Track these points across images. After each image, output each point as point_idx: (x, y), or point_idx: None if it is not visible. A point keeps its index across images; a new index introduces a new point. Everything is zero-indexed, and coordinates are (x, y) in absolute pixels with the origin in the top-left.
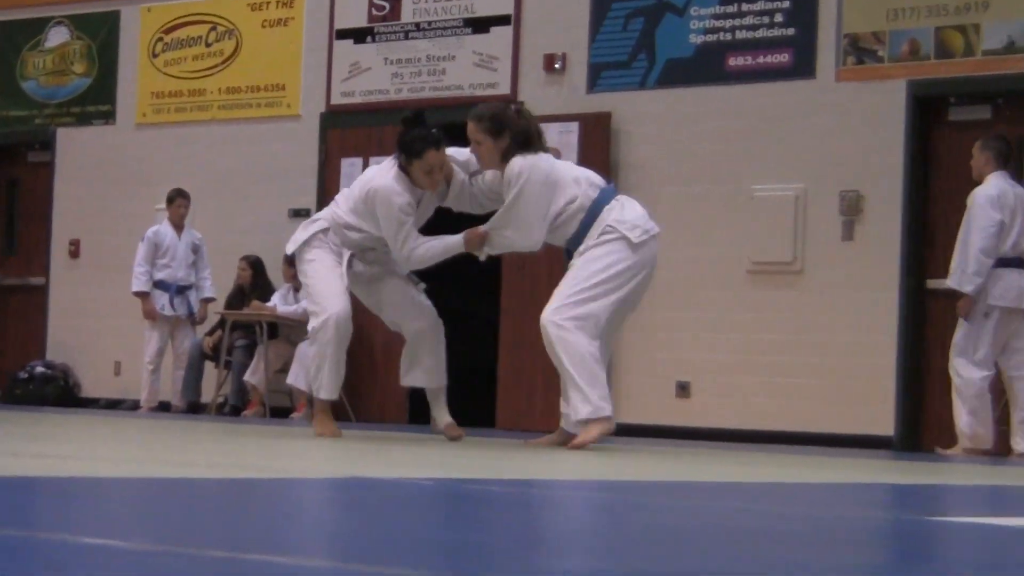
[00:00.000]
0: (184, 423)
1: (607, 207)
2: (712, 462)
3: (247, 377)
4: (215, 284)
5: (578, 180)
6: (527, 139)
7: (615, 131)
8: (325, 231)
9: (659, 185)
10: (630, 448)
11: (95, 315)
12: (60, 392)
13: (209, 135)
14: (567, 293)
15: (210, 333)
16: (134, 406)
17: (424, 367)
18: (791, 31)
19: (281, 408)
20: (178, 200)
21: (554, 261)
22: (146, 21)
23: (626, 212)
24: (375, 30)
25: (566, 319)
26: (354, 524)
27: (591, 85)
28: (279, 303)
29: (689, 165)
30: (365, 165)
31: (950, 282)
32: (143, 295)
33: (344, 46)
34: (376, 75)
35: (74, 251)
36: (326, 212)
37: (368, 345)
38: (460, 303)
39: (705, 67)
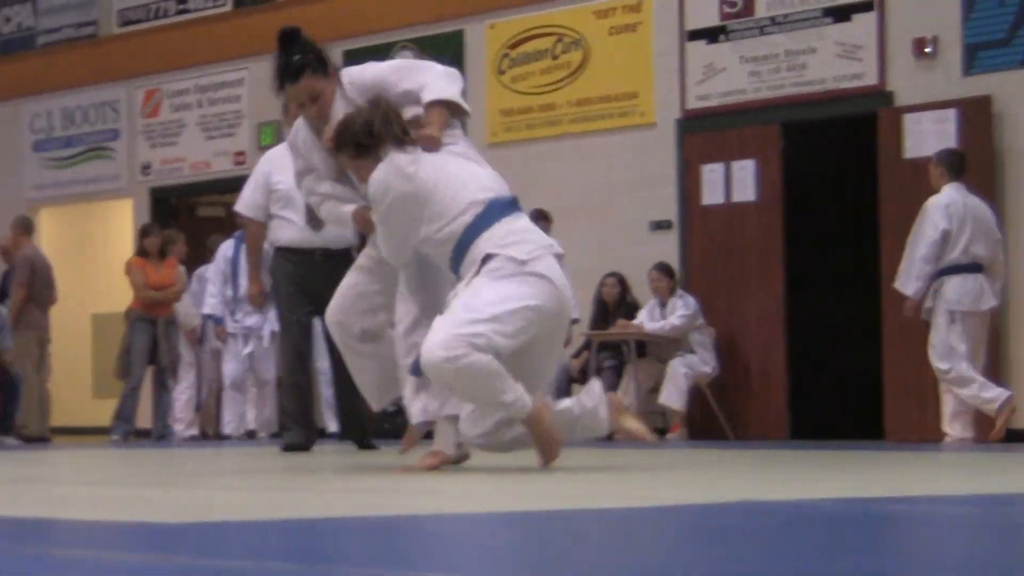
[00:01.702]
0: None
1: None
2: None
3: None
4: (577, 304)
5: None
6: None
7: (997, 115)
8: None
9: None
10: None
11: None
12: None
13: (561, 150)
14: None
15: (576, 355)
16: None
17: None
18: None
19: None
20: (539, 223)
21: None
22: (491, 38)
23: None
24: (728, 28)
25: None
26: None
27: (967, 68)
28: (646, 320)
29: None
30: (727, 171)
31: (896, 285)
32: None
33: (697, 47)
34: (732, 75)
35: None
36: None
37: (743, 360)
38: (836, 309)
39: None
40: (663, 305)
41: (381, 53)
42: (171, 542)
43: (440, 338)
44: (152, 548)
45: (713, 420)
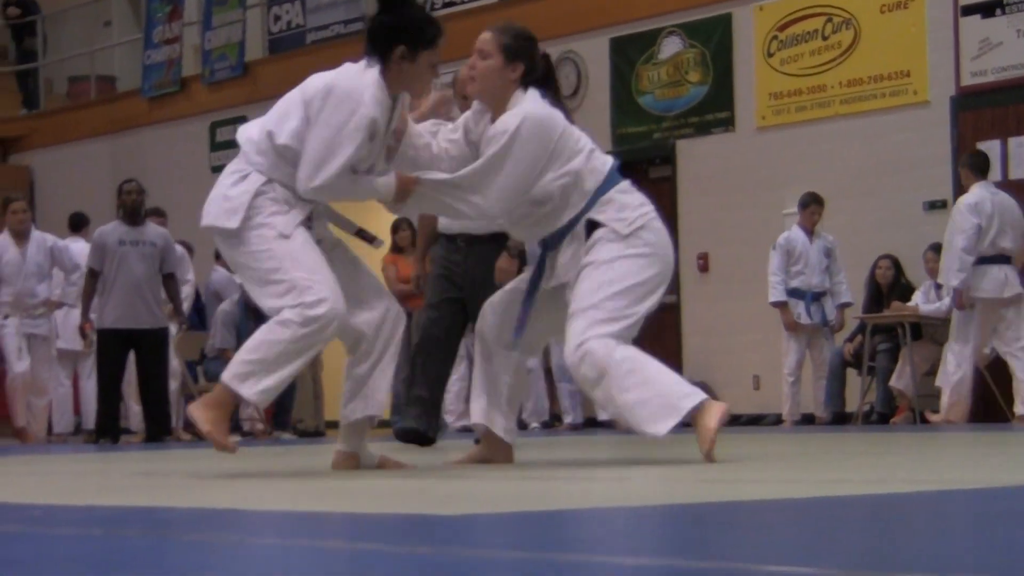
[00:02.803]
0: (830, 435)
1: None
2: None
3: (893, 382)
4: (850, 287)
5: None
6: (546, 79)
7: None
8: (267, 183)
9: None
10: None
11: (729, 330)
12: None
13: (832, 132)
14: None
15: (850, 339)
16: (776, 421)
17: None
18: None
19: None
20: (812, 207)
21: None
22: (759, 20)
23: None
24: (1004, 1)
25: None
26: None
27: None
28: (921, 302)
29: None
30: (1004, 148)
31: (940, 279)
32: (781, 305)
33: (971, 22)
34: (1009, 49)
35: (703, 265)
36: (241, 160)
37: None
38: None
39: None
40: (938, 287)
41: (648, 40)
42: (443, 533)
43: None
44: (433, 540)
45: (992, 402)
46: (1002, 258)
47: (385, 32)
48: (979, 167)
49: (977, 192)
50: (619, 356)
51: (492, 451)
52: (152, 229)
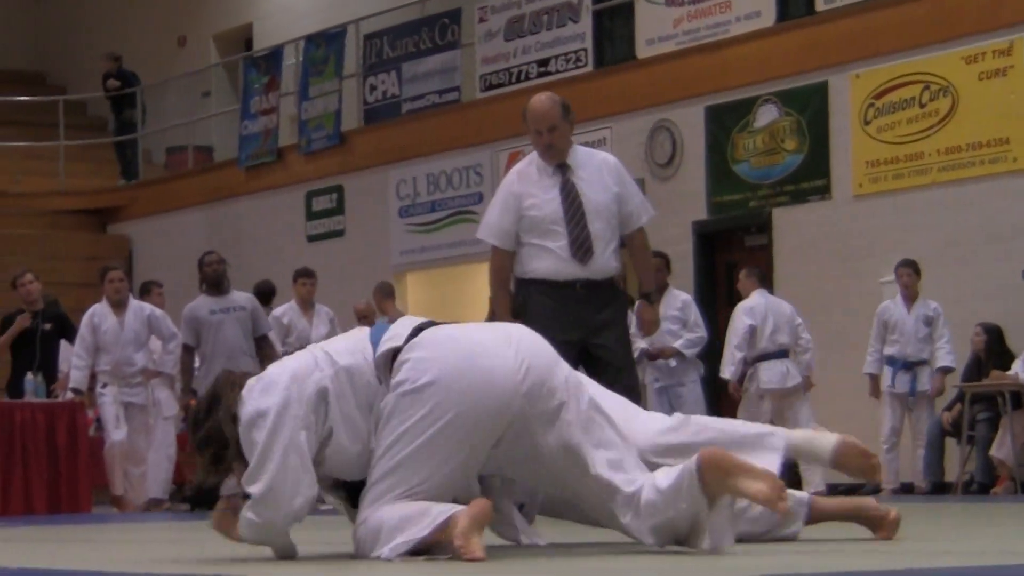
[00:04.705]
0: (929, 504)
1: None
2: None
3: (993, 452)
4: (950, 352)
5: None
6: None
7: None
8: None
9: None
10: None
11: (827, 397)
12: (795, 477)
13: (929, 200)
14: None
15: (948, 408)
16: (874, 490)
17: None
18: None
19: None
20: (899, 270)
21: None
22: (856, 88)
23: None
24: None
25: None
26: None
27: None
28: (1021, 371)
29: None
30: None
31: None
32: (871, 375)
33: None
34: None
35: None
36: None
37: None
38: None
39: None
40: None
41: (743, 108)
42: None
43: None
44: None
45: None
46: (781, 353)
47: None
48: (759, 276)
49: (755, 298)
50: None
51: None
52: (238, 295)
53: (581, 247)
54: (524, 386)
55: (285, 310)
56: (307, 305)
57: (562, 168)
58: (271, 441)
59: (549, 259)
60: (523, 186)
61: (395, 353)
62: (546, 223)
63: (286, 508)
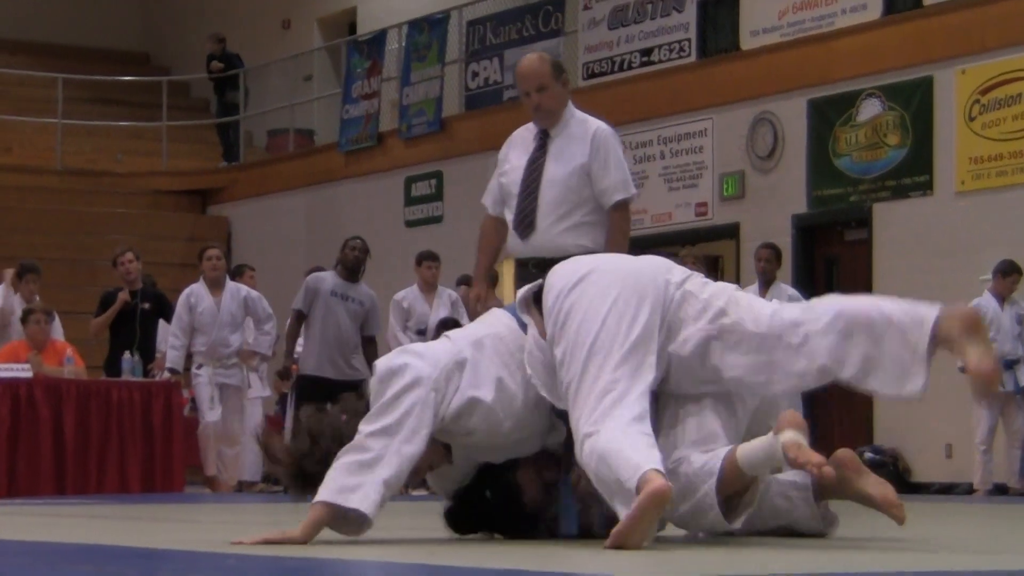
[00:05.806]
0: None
1: None
2: None
3: None
4: None
5: None
6: None
7: None
8: None
9: None
10: None
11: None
12: (890, 477)
13: None
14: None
15: None
16: (968, 490)
17: None
18: None
19: None
20: (1012, 276)
21: None
22: (961, 84)
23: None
24: None
25: None
26: None
27: None
28: None
29: None
30: None
31: None
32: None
33: None
34: None
35: None
36: None
37: None
38: None
39: None
40: None
41: (846, 102)
42: None
43: None
44: None
45: None
46: None
47: None
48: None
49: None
50: None
51: None
52: (364, 289)
53: (523, 221)
54: (674, 276)
55: (405, 294)
56: (431, 288)
57: (543, 134)
58: (401, 393)
59: (508, 233)
60: (507, 150)
61: (536, 294)
62: (509, 192)
63: (395, 447)
